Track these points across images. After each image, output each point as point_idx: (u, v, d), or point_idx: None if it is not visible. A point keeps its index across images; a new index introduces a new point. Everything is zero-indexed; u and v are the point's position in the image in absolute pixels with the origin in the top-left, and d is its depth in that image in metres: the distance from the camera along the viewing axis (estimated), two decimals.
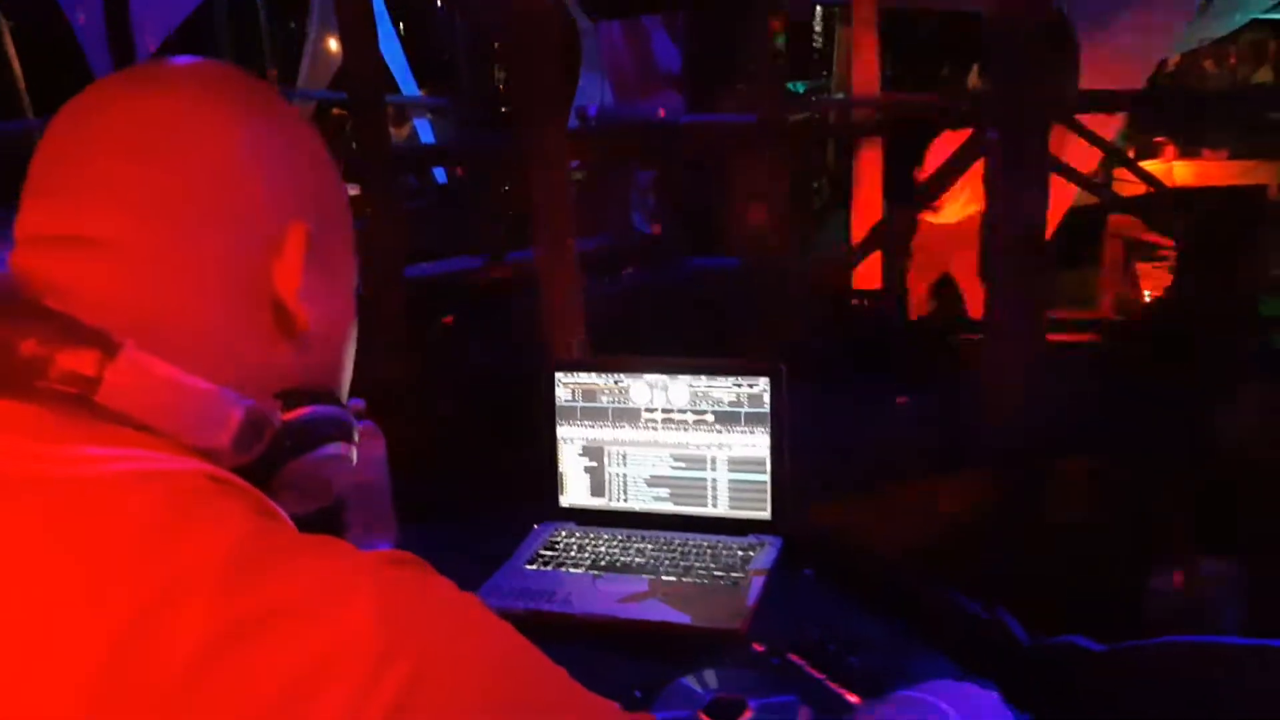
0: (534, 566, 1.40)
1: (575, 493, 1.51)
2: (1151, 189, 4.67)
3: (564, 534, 1.47)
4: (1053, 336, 4.22)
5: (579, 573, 1.37)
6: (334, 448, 0.69)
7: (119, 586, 0.52)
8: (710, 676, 1.08)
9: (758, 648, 1.15)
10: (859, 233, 5.24)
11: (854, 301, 4.33)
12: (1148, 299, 5.20)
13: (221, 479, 0.60)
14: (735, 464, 1.43)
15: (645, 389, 1.46)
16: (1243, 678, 0.92)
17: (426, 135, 6.88)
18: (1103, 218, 5.55)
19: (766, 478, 1.42)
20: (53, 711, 0.50)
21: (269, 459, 0.65)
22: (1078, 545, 2.77)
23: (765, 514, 1.42)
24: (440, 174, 5.68)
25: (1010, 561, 2.80)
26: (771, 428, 1.41)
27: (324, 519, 0.74)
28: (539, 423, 1.52)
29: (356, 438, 0.73)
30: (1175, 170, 6.39)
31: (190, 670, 0.50)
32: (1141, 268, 5.33)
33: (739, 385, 1.42)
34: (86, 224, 0.62)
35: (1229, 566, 2.50)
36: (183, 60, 0.69)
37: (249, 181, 0.66)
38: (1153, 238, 4.99)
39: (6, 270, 0.64)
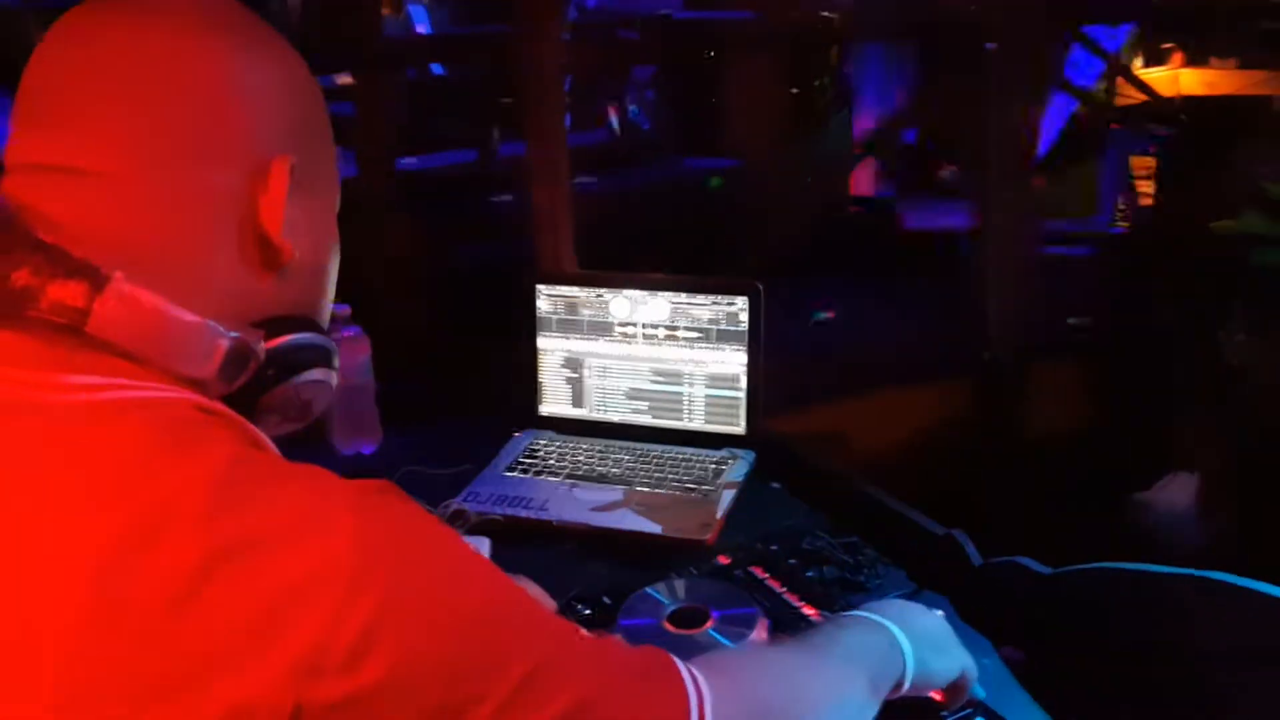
0: (513, 473, 1.45)
1: (555, 402, 1.55)
2: (1147, 99, 4.62)
3: (543, 442, 1.51)
4: (1050, 247, 4.21)
5: (556, 481, 1.42)
6: (315, 373, 0.73)
7: (110, 508, 0.55)
8: (676, 586, 1.13)
9: (723, 560, 1.20)
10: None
11: (851, 208, 4.31)
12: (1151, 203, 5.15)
13: (209, 409, 0.63)
14: (712, 380, 1.47)
15: (626, 304, 1.49)
16: (1180, 605, 0.97)
17: (422, 22, 6.73)
18: (1105, 126, 5.48)
19: (742, 394, 1.46)
20: (47, 626, 0.54)
21: (252, 386, 0.68)
22: (1062, 452, 2.83)
23: (740, 429, 1.47)
24: (436, 65, 5.57)
25: (991, 469, 2.86)
26: (749, 345, 1.44)
27: (308, 426, 0.78)
28: (521, 331, 1.55)
29: (336, 362, 0.76)
30: (1181, 78, 6.28)
31: (178, 590, 0.54)
32: (1140, 179, 5.29)
33: (718, 303, 1.45)
34: (78, 155, 0.64)
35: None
36: None
37: (235, 115, 0.67)
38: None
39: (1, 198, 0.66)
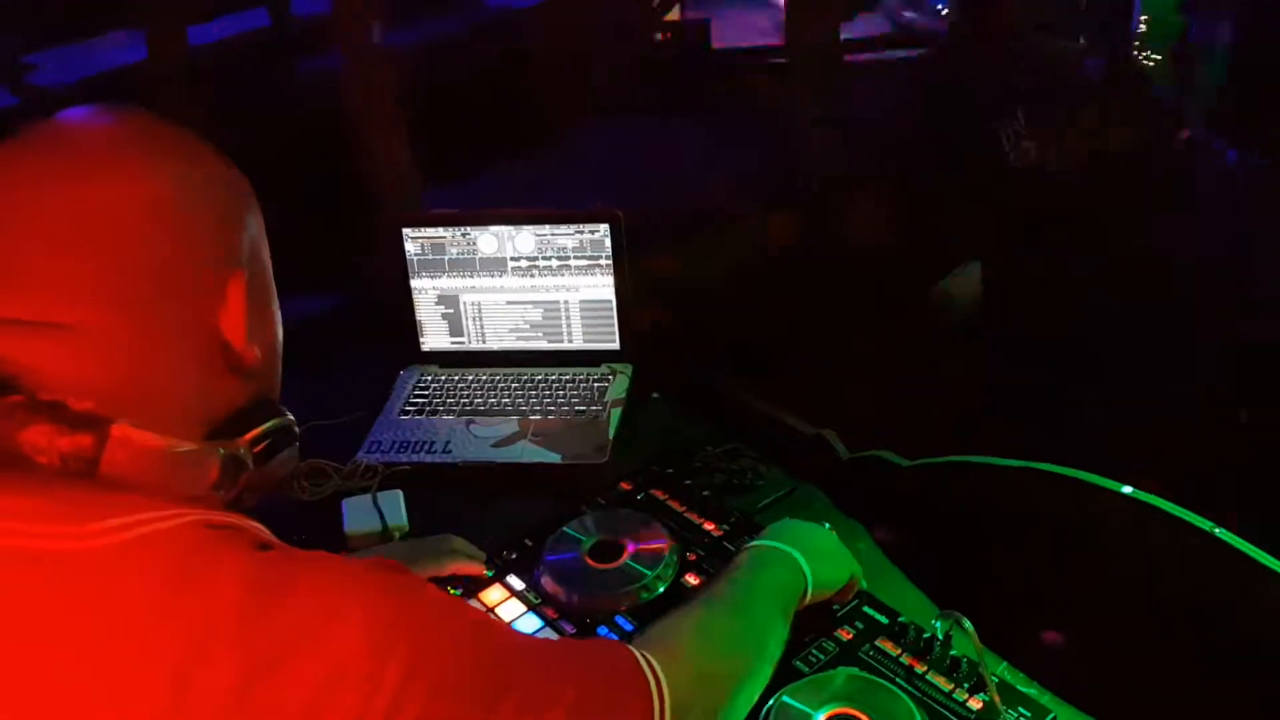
0: (408, 416, 1.52)
1: (434, 337, 1.61)
2: None
3: (429, 378, 1.58)
4: (855, 57, 4.31)
5: (451, 419, 1.51)
6: (286, 453, 0.79)
7: (156, 648, 0.62)
8: (590, 521, 1.26)
9: (625, 486, 1.33)
10: None
11: (656, 36, 4.29)
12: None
13: (217, 524, 0.69)
14: (584, 303, 1.56)
15: (493, 240, 1.54)
16: (1016, 490, 1.17)
17: None
18: None
19: (614, 315, 1.55)
20: None
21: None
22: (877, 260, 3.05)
23: (615, 344, 1.57)
24: None
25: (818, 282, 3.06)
26: (614, 268, 1.53)
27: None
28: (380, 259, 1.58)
29: (298, 432, 0.82)
30: None
31: (227, 712, 0.62)
32: None
33: (580, 232, 1.52)
34: (44, 309, 0.67)
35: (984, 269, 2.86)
36: (92, 120, 0.72)
37: (187, 248, 0.71)
38: None
39: None
